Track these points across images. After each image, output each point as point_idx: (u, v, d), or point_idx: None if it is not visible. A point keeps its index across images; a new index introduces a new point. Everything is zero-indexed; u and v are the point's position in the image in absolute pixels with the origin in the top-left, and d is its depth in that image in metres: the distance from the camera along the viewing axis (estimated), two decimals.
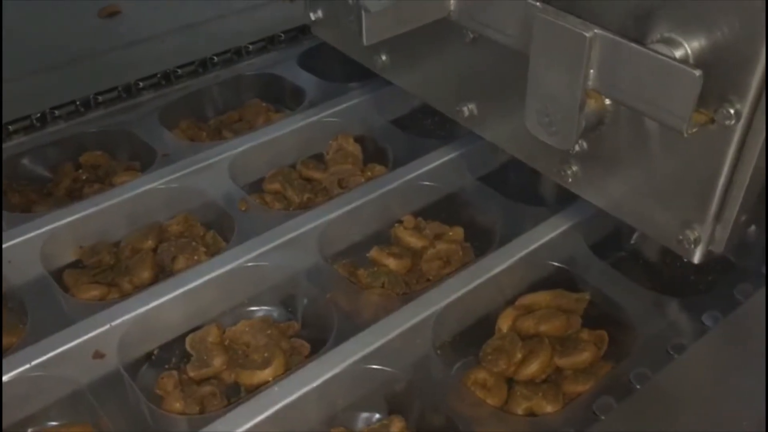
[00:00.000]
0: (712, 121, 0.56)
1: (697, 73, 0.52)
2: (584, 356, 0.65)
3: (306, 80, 0.98)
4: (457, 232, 0.78)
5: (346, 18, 0.83)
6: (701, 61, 0.55)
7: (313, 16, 0.91)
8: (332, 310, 0.67)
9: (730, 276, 0.69)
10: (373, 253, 0.76)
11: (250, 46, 1.02)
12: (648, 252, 0.79)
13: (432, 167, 0.83)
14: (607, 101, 0.62)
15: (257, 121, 0.93)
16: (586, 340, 0.67)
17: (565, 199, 0.76)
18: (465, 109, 0.77)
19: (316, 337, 0.69)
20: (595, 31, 0.57)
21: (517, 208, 0.79)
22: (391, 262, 0.75)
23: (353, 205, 0.77)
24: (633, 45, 0.56)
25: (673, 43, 0.57)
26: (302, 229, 0.73)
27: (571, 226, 0.75)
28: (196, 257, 0.72)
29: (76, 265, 0.76)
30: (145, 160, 0.86)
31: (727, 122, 0.55)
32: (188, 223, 0.79)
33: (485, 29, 0.68)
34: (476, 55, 0.73)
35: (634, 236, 0.81)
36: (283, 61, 1.01)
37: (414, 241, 0.77)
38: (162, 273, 0.74)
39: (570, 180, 0.70)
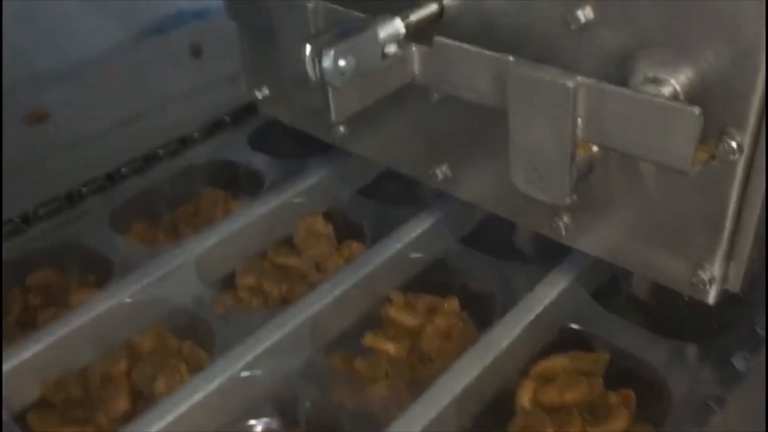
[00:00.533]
0: (713, 157, 0.54)
1: (697, 111, 0.49)
2: (620, 422, 0.60)
3: (261, 162, 0.92)
4: (453, 303, 0.73)
5: (299, 93, 0.78)
6: (692, 95, 0.53)
7: (259, 95, 0.87)
8: (339, 413, 0.61)
9: (745, 311, 0.66)
10: (369, 340, 0.70)
11: (195, 134, 0.96)
12: (652, 296, 0.76)
13: (413, 237, 0.78)
14: (595, 148, 0.59)
15: (215, 212, 0.87)
16: (615, 403, 0.63)
17: (555, 251, 0.73)
18: (438, 172, 0.73)
19: None
20: (578, 79, 0.54)
21: (509, 267, 0.75)
22: (390, 347, 0.69)
23: (339, 291, 0.71)
24: (621, 90, 0.53)
25: (659, 82, 0.54)
26: (290, 326, 0.67)
27: (572, 280, 0.71)
28: (177, 376, 0.65)
29: (41, 404, 0.67)
30: (99, 272, 0.78)
31: (732, 157, 0.52)
32: (161, 336, 0.72)
33: (455, 89, 0.65)
34: (445, 114, 0.70)
35: (634, 281, 0.78)
36: (234, 144, 0.96)
37: (409, 319, 0.72)
38: (141, 399, 0.66)
39: (564, 233, 0.66)
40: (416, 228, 0.79)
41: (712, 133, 0.52)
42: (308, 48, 0.59)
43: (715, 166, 0.54)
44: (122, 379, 0.67)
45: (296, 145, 0.95)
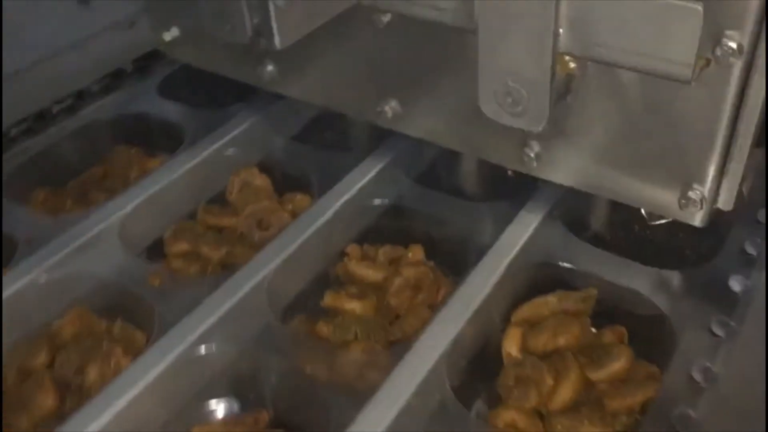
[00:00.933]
0: (708, 63, 0.49)
1: (699, 7, 0.44)
2: (621, 362, 0.55)
3: (176, 113, 0.81)
4: (417, 252, 0.66)
5: (221, 27, 0.68)
6: None
7: (167, 36, 0.76)
8: (310, 385, 0.53)
9: (731, 232, 0.63)
10: (329, 300, 0.62)
11: (94, 86, 0.84)
12: (635, 226, 0.71)
13: (365, 183, 0.70)
14: (572, 64, 0.53)
15: (129, 172, 0.76)
16: (612, 343, 0.58)
17: (522, 185, 0.67)
18: (387, 108, 0.66)
19: (300, 422, 0.54)
20: None
21: (475, 208, 0.68)
22: (356, 306, 0.61)
23: (292, 248, 0.62)
24: None
25: None
26: (242, 293, 0.58)
27: (545, 216, 0.65)
28: (113, 361, 0.55)
29: None
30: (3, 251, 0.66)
31: (731, 60, 0.47)
32: (84, 318, 0.61)
33: (410, 8, 0.57)
34: (393, 43, 0.62)
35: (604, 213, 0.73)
36: (141, 95, 0.84)
37: (371, 273, 0.64)
38: (69, 393, 0.56)
39: (535, 165, 0.60)
40: (366, 173, 0.71)
41: (708, 37, 0.46)
42: None
43: (709, 73, 0.48)
44: (44, 373, 0.56)
45: (214, 93, 0.84)
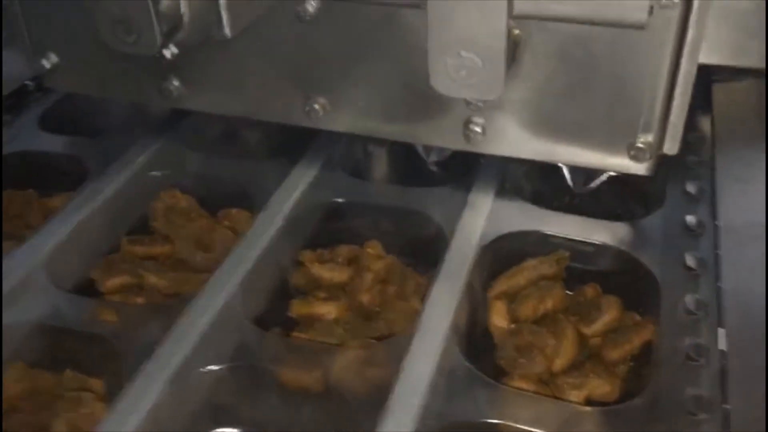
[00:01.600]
0: (652, 10, 0.51)
1: None
2: (612, 312, 0.56)
3: (69, 145, 0.73)
4: (376, 247, 0.64)
5: (125, 43, 0.62)
6: None
7: (47, 64, 0.68)
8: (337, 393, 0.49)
9: (664, 176, 0.66)
10: (297, 308, 0.58)
11: None
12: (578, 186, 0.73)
13: (305, 187, 0.66)
14: (516, 30, 0.54)
15: (30, 216, 0.67)
16: (598, 297, 0.58)
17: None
18: (316, 107, 0.63)
19: None
20: None
21: (421, 195, 0.67)
22: (330, 309, 0.58)
23: (251, 264, 0.58)
24: None
25: None
26: (213, 312, 0.53)
27: (496, 192, 0.66)
28: (84, 411, 0.48)
29: None
30: None
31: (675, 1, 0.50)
32: (26, 374, 0.52)
33: None
34: (317, 36, 0.59)
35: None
36: (21, 132, 0.75)
37: (336, 274, 0.61)
38: None
39: (480, 140, 0.60)
40: (302, 176, 0.68)
41: None
42: None
43: (651, 20, 0.51)
44: None
45: (105, 120, 0.78)
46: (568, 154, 0.58)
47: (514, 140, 0.59)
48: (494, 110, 0.58)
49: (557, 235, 0.62)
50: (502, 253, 0.62)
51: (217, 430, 0.51)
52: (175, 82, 0.66)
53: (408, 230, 0.66)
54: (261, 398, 0.51)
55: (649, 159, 0.57)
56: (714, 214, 0.61)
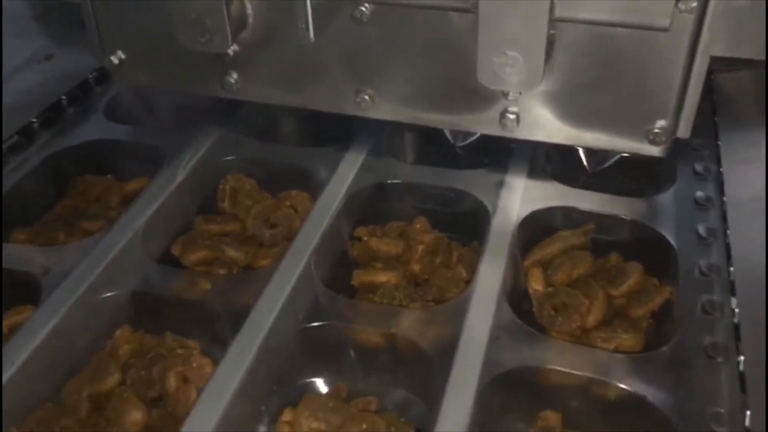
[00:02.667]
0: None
1: None
2: (636, 276, 0.65)
3: (138, 133, 0.81)
4: (423, 223, 0.71)
5: (194, 41, 0.69)
6: None
7: (115, 60, 0.75)
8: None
9: (671, 158, 0.73)
10: (359, 277, 0.66)
11: (35, 122, 0.81)
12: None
13: (356, 171, 0.74)
14: (552, 30, 0.62)
15: (111, 199, 0.75)
16: (622, 263, 0.67)
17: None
18: (366, 97, 0.71)
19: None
20: None
21: (462, 177, 0.74)
22: (390, 276, 0.66)
23: (317, 239, 0.66)
24: None
25: None
26: (294, 278, 0.61)
27: (527, 174, 0.74)
28: (195, 365, 0.56)
29: None
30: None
31: (693, 4, 0.57)
32: (136, 336, 0.60)
33: None
34: (370, 35, 0.66)
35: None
36: (88, 122, 0.82)
37: (392, 247, 0.69)
38: (155, 405, 0.56)
39: (517, 126, 0.68)
40: (354, 161, 0.75)
41: None
42: None
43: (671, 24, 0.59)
44: (124, 389, 0.56)
45: (163, 111, 0.85)
46: (592, 139, 0.66)
47: (545, 127, 0.67)
48: (528, 100, 0.66)
49: (583, 209, 0.70)
50: (536, 227, 0.70)
51: (306, 379, 0.60)
52: (235, 75, 0.74)
53: (450, 207, 0.74)
54: (340, 353, 0.59)
55: (665, 142, 0.65)
56: (721, 190, 0.69)
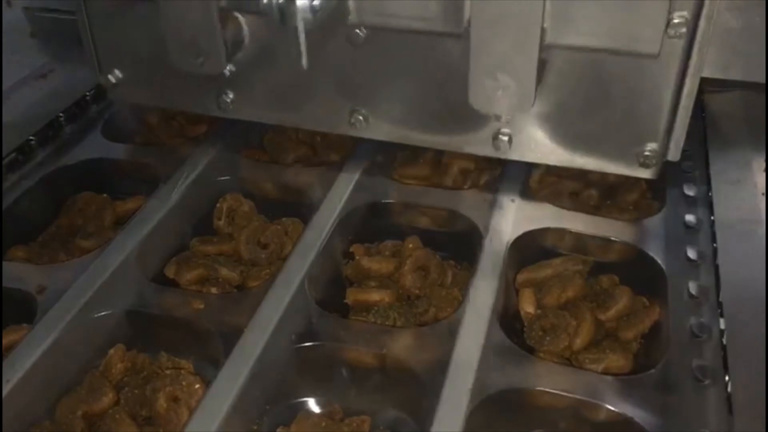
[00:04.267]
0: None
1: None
2: (624, 300, 0.65)
3: (134, 152, 0.81)
4: (415, 241, 0.72)
5: (191, 63, 0.70)
6: None
7: (112, 79, 0.76)
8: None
9: (663, 180, 0.74)
10: (353, 296, 0.67)
11: (33, 140, 0.81)
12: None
13: (350, 190, 0.75)
14: (543, 55, 0.63)
15: (104, 217, 0.75)
16: (612, 286, 0.68)
17: None
18: (360, 117, 0.71)
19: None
20: None
21: (453, 197, 0.75)
22: (383, 295, 0.66)
23: (312, 258, 0.66)
24: None
25: None
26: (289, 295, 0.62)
27: (521, 193, 0.75)
28: (185, 384, 0.56)
29: None
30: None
31: (682, 30, 0.57)
32: (129, 356, 0.61)
33: (398, 22, 0.64)
34: (364, 56, 0.67)
35: None
36: (86, 141, 0.83)
37: (384, 265, 0.70)
38: (148, 423, 0.56)
39: (509, 148, 0.68)
40: (349, 182, 0.76)
41: None
42: None
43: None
44: (118, 409, 0.56)
45: (164, 128, 0.86)
46: (584, 161, 0.67)
47: (538, 149, 0.68)
48: (520, 122, 0.67)
49: (574, 231, 0.71)
50: (528, 248, 0.71)
51: (299, 399, 0.60)
52: (231, 95, 0.74)
53: (442, 227, 0.75)
54: (333, 373, 0.60)
55: (656, 165, 0.66)
56: (710, 212, 0.70)
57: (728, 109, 0.86)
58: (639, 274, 0.68)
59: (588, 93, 0.63)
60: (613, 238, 0.69)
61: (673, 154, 0.66)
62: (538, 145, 0.67)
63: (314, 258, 0.67)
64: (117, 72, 0.77)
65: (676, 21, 0.58)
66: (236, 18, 0.68)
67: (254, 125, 0.76)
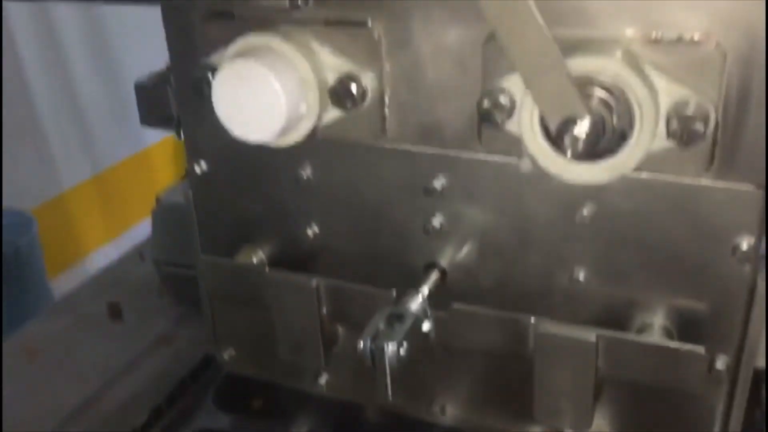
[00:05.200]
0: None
1: (702, 350, 0.63)
2: None
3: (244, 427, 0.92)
4: None
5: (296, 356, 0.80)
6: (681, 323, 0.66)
7: (225, 356, 0.88)
8: None
9: None
10: None
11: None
12: None
13: None
14: None
15: None
16: None
17: None
18: (440, 408, 0.79)
19: None
20: (596, 333, 0.65)
21: None
22: None
23: None
24: (636, 339, 0.65)
25: (654, 327, 0.66)
26: None
27: None
28: None
29: None
30: None
31: (722, 375, 0.65)
32: None
33: (471, 344, 0.73)
34: (453, 359, 0.76)
35: None
36: (202, 412, 0.94)
37: None
38: None
39: None
40: None
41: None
42: (367, 340, 0.65)
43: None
44: None
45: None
46: None
47: None
48: None
49: None
50: None
51: None
52: (326, 377, 0.84)
53: None
54: None
55: None
56: None
57: None
58: None
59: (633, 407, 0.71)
60: None
61: None
62: None
63: None
64: (231, 350, 0.88)
65: (716, 367, 0.65)
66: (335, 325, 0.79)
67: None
